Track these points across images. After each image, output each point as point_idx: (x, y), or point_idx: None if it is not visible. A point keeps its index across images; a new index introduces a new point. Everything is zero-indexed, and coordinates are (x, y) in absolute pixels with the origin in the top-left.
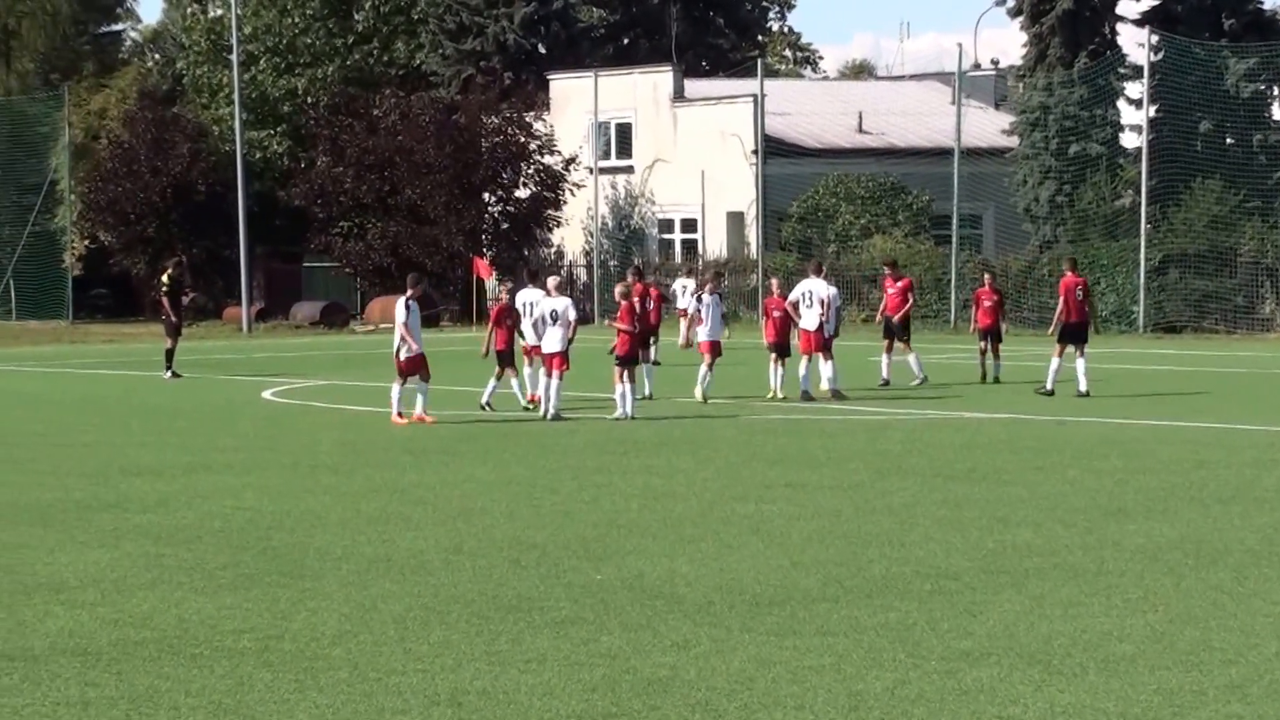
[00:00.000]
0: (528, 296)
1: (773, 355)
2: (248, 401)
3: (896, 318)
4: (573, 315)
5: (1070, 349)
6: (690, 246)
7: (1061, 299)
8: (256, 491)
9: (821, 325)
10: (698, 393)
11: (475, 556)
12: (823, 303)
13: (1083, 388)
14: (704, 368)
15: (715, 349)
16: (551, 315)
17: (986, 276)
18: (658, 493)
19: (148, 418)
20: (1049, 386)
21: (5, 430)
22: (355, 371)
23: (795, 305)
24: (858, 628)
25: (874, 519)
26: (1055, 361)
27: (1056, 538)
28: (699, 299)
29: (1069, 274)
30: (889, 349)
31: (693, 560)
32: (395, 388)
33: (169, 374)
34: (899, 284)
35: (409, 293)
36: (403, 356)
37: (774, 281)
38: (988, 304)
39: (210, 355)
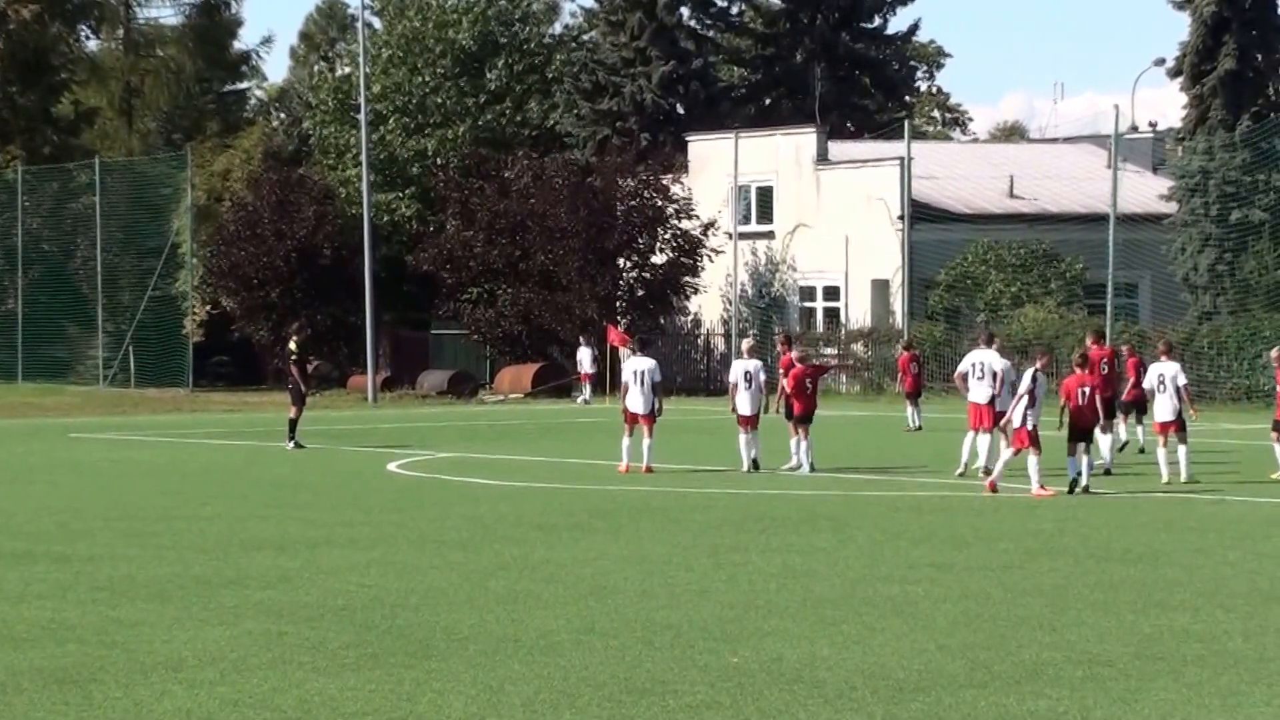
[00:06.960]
0: (638, 365)
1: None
2: (373, 474)
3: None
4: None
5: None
6: (833, 315)
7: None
8: (381, 568)
9: (993, 399)
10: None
11: (607, 637)
12: (995, 376)
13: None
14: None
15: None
16: (746, 377)
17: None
18: (797, 572)
19: (269, 490)
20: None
21: (124, 502)
22: (484, 443)
23: (964, 377)
24: (1006, 715)
25: (1024, 601)
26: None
27: (1216, 623)
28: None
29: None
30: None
31: (834, 643)
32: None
33: (292, 444)
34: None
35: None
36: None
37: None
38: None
39: (334, 425)
